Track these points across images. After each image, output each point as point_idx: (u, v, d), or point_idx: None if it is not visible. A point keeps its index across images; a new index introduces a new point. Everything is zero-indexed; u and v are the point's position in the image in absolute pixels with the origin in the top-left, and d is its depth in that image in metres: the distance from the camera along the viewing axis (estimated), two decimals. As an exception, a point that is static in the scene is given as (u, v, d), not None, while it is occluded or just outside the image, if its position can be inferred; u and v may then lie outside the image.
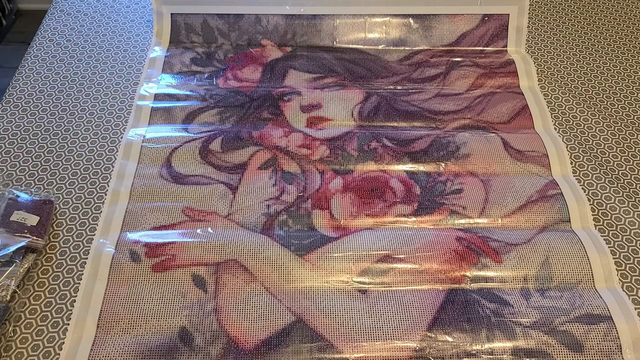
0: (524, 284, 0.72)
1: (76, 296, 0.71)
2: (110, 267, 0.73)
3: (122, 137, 0.90)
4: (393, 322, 0.68)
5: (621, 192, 0.84)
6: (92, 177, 0.85)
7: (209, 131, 0.90)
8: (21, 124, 0.92)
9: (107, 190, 0.82)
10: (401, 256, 0.74)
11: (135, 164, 0.86)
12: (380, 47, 1.05)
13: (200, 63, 1.02)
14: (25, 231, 0.74)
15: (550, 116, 0.95)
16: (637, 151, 0.90)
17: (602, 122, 0.94)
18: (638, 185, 0.85)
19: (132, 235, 0.76)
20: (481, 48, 1.06)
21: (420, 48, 1.05)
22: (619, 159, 0.88)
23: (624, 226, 0.80)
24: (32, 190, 0.82)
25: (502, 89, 0.99)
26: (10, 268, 0.71)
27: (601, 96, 0.99)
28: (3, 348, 0.66)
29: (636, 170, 0.87)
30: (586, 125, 0.94)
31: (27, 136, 0.90)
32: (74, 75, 1.01)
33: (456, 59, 1.03)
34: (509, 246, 0.76)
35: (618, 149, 0.90)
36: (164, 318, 0.68)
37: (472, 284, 0.72)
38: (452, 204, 0.81)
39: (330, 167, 0.86)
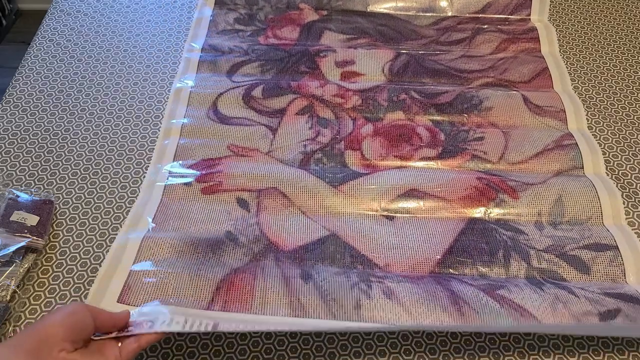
0: (538, 218, 0.79)
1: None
2: (165, 187, 0.81)
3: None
4: (417, 242, 0.75)
5: (621, 192, 0.84)
6: (92, 177, 0.85)
7: (251, 81, 0.98)
8: (21, 124, 0.92)
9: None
10: (425, 190, 0.81)
11: (184, 107, 0.94)
12: (410, 13, 1.13)
13: (243, 22, 1.10)
14: (25, 231, 0.73)
15: (569, 78, 1.01)
16: (637, 151, 0.91)
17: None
18: (638, 185, 0.86)
19: (183, 165, 0.85)
20: (505, 16, 1.12)
21: (447, 15, 1.12)
22: (619, 159, 0.89)
23: None
24: (32, 190, 0.82)
25: (524, 53, 1.05)
26: (10, 268, 0.70)
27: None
28: (3, 348, 0.68)
29: (636, 169, 0.88)
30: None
31: (27, 136, 0.90)
32: (74, 75, 1.00)
33: (481, 26, 1.10)
34: (525, 185, 0.82)
35: (618, 148, 0.91)
36: (212, 224, 0.76)
37: (490, 217, 0.79)
38: (473, 149, 0.88)
39: (362, 114, 0.93)
